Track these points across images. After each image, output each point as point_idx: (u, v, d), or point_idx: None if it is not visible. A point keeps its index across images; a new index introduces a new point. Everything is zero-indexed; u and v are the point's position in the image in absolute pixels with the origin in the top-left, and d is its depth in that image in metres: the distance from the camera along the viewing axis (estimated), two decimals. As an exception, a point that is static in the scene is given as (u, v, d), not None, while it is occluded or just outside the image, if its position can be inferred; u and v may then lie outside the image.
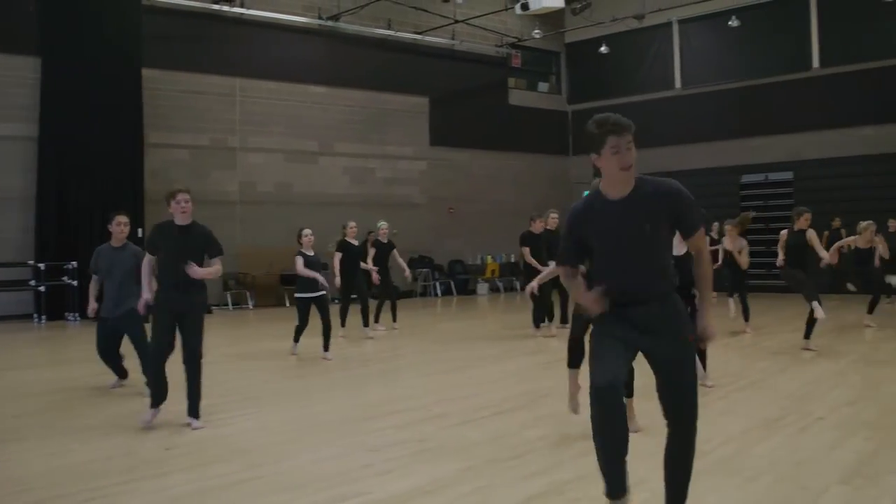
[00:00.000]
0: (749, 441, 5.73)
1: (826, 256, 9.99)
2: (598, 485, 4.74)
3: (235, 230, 18.86)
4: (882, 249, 13.07)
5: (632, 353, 3.78)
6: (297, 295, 10.49)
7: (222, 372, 9.65)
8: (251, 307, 18.55)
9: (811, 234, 9.96)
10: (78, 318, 15.76)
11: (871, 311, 12.77)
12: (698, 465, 5.08)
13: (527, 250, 12.37)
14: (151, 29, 17.12)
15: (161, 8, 17.70)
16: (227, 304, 18.38)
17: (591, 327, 4.04)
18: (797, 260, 10.11)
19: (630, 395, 5.97)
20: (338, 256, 11.95)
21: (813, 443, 5.65)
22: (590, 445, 5.65)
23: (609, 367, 3.66)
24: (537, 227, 12.55)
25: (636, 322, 3.73)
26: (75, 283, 15.77)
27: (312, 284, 10.21)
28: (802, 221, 10.05)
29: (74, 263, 15.79)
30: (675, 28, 22.89)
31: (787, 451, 5.42)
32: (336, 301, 13.26)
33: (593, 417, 3.66)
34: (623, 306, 3.75)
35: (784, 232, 10.27)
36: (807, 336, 10.12)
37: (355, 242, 12.32)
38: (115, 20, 16.49)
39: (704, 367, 8.10)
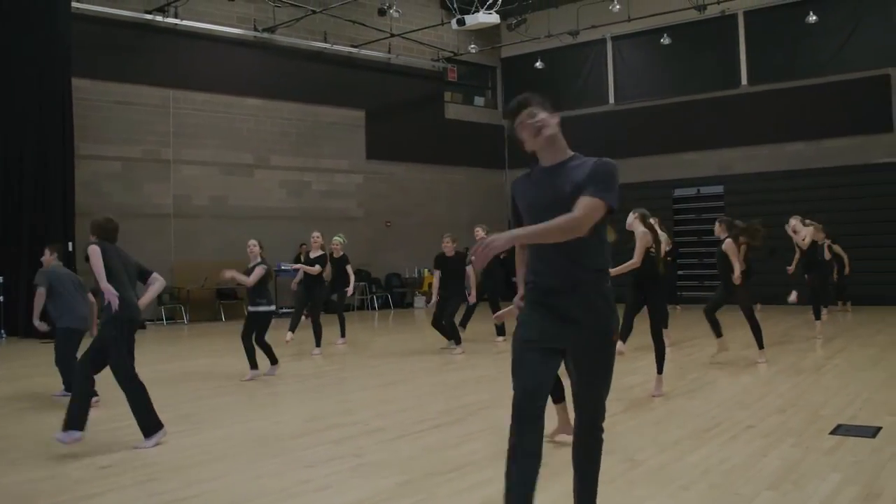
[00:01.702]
0: (682, 450, 5.85)
1: (737, 272, 10.11)
2: (538, 496, 4.81)
3: (170, 244, 18.58)
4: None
5: (557, 357, 3.68)
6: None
7: (157, 388, 9.48)
8: (186, 322, 18.26)
9: (727, 245, 10.20)
10: (3, 335, 15.33)
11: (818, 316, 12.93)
12: (633, 475, 5.20)
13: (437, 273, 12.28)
14: (81, 38, 16.74)
15: (91, 16, 17.38)
16: (161, 320, 18.06)
17: None
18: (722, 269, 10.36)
19: (560, 399, 6.04)
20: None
21: (743, 451, 5.79)
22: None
23: (530, 374, 3.58)
24: (448, 248, 12.15)
25: (559, 313, 3.59)
26: (1, 298, 15.33)
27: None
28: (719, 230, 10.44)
29: (0, 278, 15.35)
30: (609, 45, 23.34)
31: (719, 460, 5.55)
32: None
33: (510, 429, 3.57)
34: (546, 295, 3.63)
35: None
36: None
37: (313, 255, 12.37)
38: (42, 28, 16.08)
39: (660, 370, 8.19)
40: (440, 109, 24.41)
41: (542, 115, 3.67)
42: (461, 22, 18.16)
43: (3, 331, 15.39)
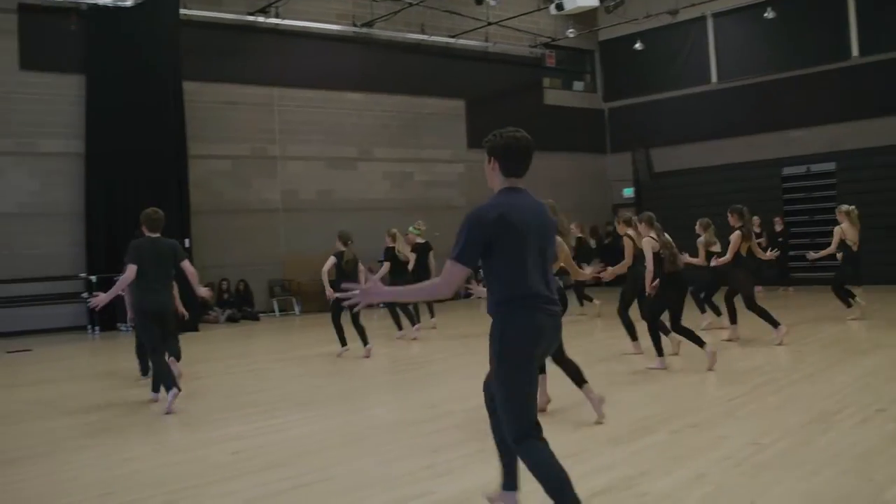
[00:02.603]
0: (808, 434, 5.73)
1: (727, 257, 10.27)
2: (663, 480, 4.81)
3: (279, 237, 19.12)
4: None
5: None
6: None
7: (275, 377, 9.85)
8: (297, 313, 18.77)
9: (733, 236, 10.32)
10: (130, 328, 16.05)
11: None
12: (759, 458, 5.13)
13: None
14: (190, 42, 17.33)
15: (199, 21, 17.94)
16: (273, 311, 18.61)
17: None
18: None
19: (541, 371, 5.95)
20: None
21: (875, 435, 5.62)
22: (646, 443, 5.72)
23: None
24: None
25: None
26: (124, 293, 16.03)
27: None
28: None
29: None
30: (710, 22, 22.74)
31: (849, 444, 5.41)
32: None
33: None
34: None
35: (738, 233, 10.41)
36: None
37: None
38: (154, 35, 16.73)
39: (658, 352, 8.70)
40: (539, 96, 24.27)
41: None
42: (560, 7, 18.05)
43: (129, 324, 16.10)
